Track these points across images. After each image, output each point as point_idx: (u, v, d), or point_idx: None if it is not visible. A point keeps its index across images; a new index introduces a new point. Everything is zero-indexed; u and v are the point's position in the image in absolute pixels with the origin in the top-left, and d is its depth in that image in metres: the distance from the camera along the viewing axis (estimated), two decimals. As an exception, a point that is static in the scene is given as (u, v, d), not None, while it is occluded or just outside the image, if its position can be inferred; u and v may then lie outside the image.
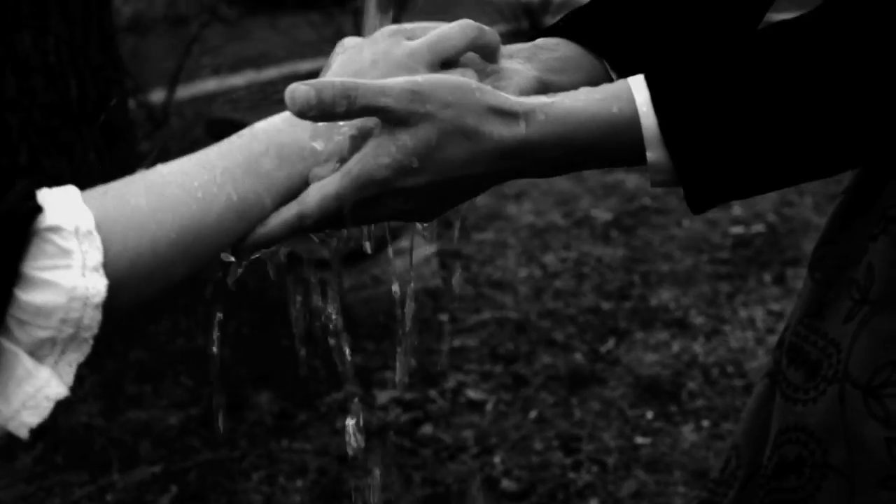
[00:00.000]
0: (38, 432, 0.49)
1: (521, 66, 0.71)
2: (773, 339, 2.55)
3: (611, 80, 0.75)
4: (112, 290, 0.50)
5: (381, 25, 0.69)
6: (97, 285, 0.49)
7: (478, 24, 0.68)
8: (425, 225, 0.73)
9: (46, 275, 0.48)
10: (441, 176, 0.62)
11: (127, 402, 2.29)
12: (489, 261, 3.14)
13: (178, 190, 0.56)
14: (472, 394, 2.35)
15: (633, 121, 0.61)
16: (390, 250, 0.95)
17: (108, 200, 0.53)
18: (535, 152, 0.62)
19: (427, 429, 2.21)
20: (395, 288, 0.78)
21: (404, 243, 2.98)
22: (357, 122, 0.63)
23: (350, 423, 0.70)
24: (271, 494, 2.01)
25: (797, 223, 3.23)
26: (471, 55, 0.69)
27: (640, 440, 2.13)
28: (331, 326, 0.70)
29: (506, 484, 2.00)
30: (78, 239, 0.49)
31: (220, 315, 0.66)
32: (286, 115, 0.63)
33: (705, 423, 2.18)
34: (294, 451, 2.15)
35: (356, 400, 0.70)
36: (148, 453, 2.12)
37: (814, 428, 0.92)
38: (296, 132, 0.61)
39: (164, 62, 5.63)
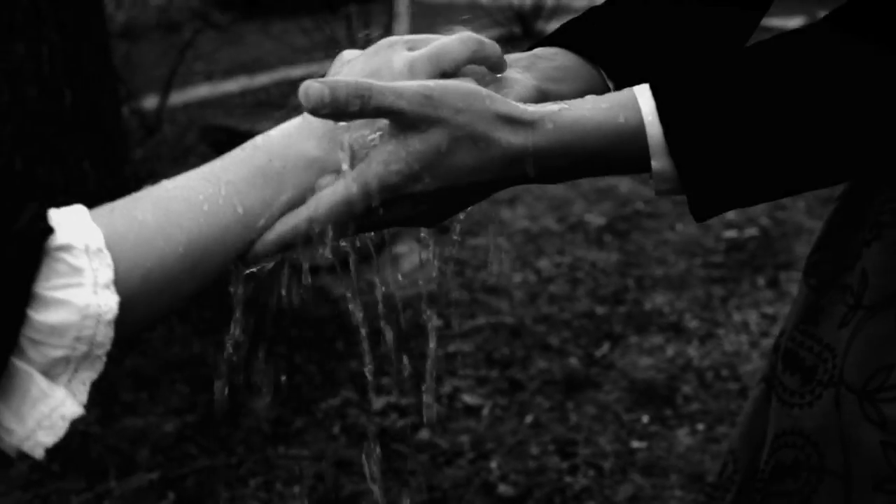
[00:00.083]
0: (53, 450, 0.49)
1: (521, 75, 0.72)
2: (766, 343, 2.56)
3: (607, 89, 0.77)
4: (123, 306, 0.50)
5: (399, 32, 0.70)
6: (109, 302, 0.50)
7: (478, 36, 0.68)
8: (422, 230, 0.74)
9: (59, 294, 0.48)
10: (450, 182, 0.63)
11: (123, 409, 2.29)
12: (483, 266, 3.15)
13: (183, 204, 0.56)
14: (468, 399, 2.36)
15: (639, 130, 0.62)
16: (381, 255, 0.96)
17: (116, 217, 0.53)
18: (542, 160, 0.63)
19: (423, 434, 2.22)
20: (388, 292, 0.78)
21: (399, 248, 2.99)
22: (380, 125, 0.63)
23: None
24: (268, 500, 2.01)
25: (790, 227, 3.25)
26: (472, 66, 0.70)
27: (635, 444, 2.14)
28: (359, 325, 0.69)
29: (503, 489, 2.00)
30: (88, 257, 0.50)
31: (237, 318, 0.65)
32: (287, 125, 0.63)
33: (700, 426, 2.19)
34: (291, 458, 2.15)
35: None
36: (145, 460, 2.12)
37: (810, 432, 0.93)
38: (298, 143, 0.62)
39: (156, 68, 5.63)
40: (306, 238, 0.61)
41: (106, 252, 0.50)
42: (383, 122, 0.64)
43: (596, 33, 0.79)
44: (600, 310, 2.84)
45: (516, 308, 2.86)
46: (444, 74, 0.67)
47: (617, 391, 2.37)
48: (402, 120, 0.61)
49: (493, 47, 0.69)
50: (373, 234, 0.74)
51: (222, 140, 2.84)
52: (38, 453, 0.49)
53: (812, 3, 6.99)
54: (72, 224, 0.50)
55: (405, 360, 0.81)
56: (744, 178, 0.63)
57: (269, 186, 0.59)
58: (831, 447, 0.91)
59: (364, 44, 0.72)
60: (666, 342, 2.61)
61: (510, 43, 7.83)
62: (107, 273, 0.50)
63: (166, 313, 0.56)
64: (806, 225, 3.25)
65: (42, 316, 0.48)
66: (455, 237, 0.80)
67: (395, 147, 0.62)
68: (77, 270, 0.49)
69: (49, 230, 0.49)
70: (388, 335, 0.83)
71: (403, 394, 2.39)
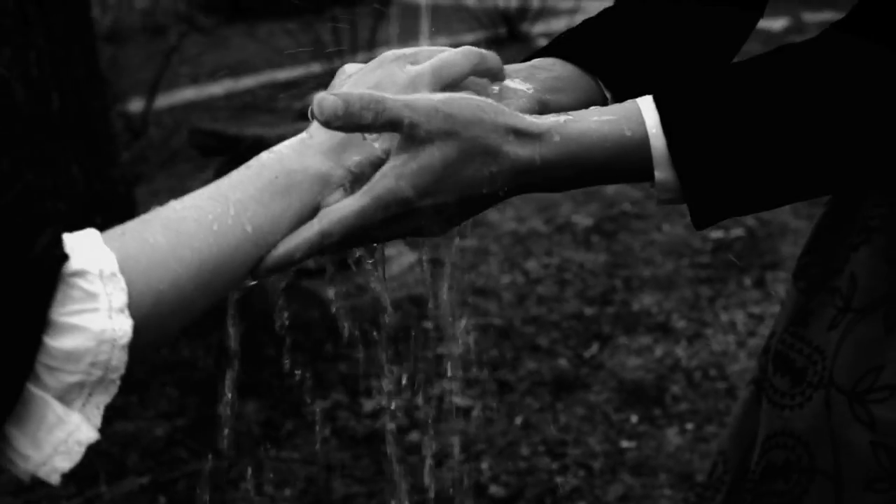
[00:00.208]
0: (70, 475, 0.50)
1: (521, 87, 0.73)
2: (754, 342, 2.58)
3: (605, 98, 0.78)
4: (137, 329, 0.50)
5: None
6: (124, 326, 0.50)
7: (479, 49, 0.69)
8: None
9: (74, 319, 0.49)
10: (460, 194, 0.64)
11: (113, 413, 2.28)
12: (472, 268, 3.16)
13: (194, 225, 0.56)
14: (458, 400, 2.37)
15: (643, 142, 0.63)
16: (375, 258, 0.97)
17: (128, 240, 0.53)
18: (549, 171, 0.64)
19: (414, 436, 2.23)
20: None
21: (388, 251, 2.99)
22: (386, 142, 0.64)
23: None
24: (260, 504, 2.02)
25: (776, 227, 3.28)
26: (473, 78, 0.71)
27: (625, 444, 2.16)
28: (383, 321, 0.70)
29: (494, 489, 2.01)
30: (103, 281, 0.50)
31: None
32: (292, 141, 0.64)
33: (689, 426, 2.21)
34: (281, 461, 2.16)
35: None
36: (135, 464, 2.12)
37: (801, 433, 0.95)
38: (303, 159, 0.62)
39: (141, 71, 5.61)
40: (318, 251, 0.62)
41: (120, 276, 0.51)
42: (391, 137, 0.65)
43: (592, 44, 0.80)
44: (588, 311, 2.85)
45: (505, 309, 2.87)
46: (446, 87, 0.68)
47: (606, 391, 2.38)
48: (413, 133, 0.62)
49: (493, 59, 0.70)
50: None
51: (210, 144, 2.84)
52: (55, 479, 0.50)
53: (796, 4, 7.04)
54: (85, 249, 0.50)
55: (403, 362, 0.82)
56: (744, 188, 0.64)
57: (276, 203, 0.60)
58: (822, 448, 0.92)
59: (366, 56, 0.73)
60: (654, 342, 2.62)
61: (496, 44, 7.85)
62: (121, 297, 0.50)
63: (177, 333, 0.56)
64: (791, 225, 3.28)
65: (58, 342, 0.48)
66: (456, 240, 0.80)
67: (406, 161, 0.62)
68: (92, 296, 0.49)
69: (64, 257, 0.49)
70: (378, 338, 0.84)
71: (393, 396, 2.40)
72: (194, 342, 2.53)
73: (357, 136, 0.64)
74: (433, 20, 9.31)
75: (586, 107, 0.71)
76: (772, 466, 0.98)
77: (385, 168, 0.63)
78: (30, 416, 0.48)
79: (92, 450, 0.53)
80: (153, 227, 0.55)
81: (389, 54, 0.70)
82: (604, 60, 0.78)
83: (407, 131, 0.62)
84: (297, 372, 2.49)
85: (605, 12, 0.86)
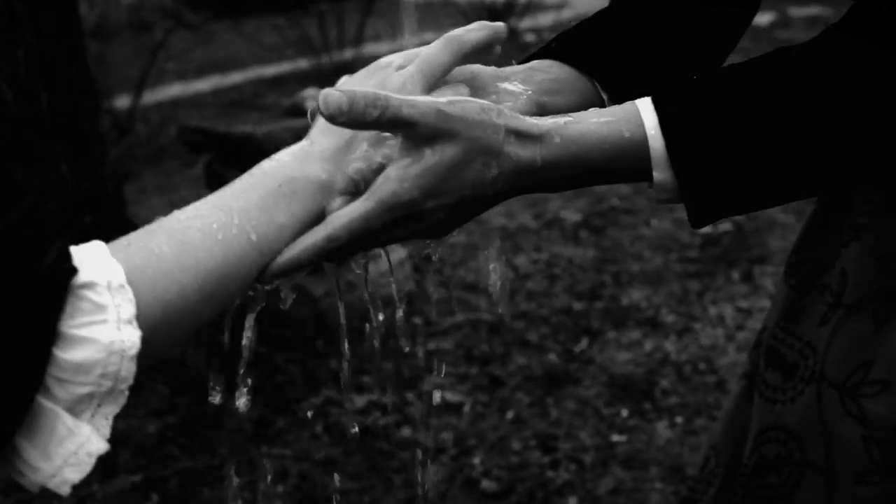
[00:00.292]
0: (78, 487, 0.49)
1: (519, 88, 0.74)
2: (742, 336, 2.60)
3: (601, 99, 0.79)
4: (145, 339, 0.51)
5: None
6: (132, 337, 0.50)
7: (456, 33, 0.69)
8: None
9: (84, 332, 0.49)
10: (462, 195, 0.64)
11: (104, 412, 2.28)
12: (461, 263, 3.17)
13: (198, 234, 0.56)
14: (450, 396, 2.38)
15: (642, 144, 0.64)
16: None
17: (134, 252, 0.53)
18: (550, 171, 0.65)
19: (405, 431, 2.23)
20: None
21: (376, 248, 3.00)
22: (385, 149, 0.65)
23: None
24: (253, 501, 2.02)
25: (763, 222, 3.30)
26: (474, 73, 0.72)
27: (616, 438, 2.17)
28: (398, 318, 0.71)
29: (486, 484, 2.02)
30: (111, 293, 0.50)
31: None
32: (293, 149, 0.64)
33: (679, 419, 2.23)
34: (274, 457, 2.16)
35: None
36: (127, 462, 2.12)
37: (793, 427, 0.96)
38: (304, 167, 0.63)
39: (127, 68, 5.58)
40: (324, 256, 0.63)
41: (128, 287, 0.51)
42: (391, 143, 0.65)
43: (589, 46, 0.81)
44: (578, 305, 2.86)
45: (495, 305, 2.88)
46: (439, 82, 0.68)
47: (596, 386, 2.40)
48: (416, 133, 0.63)
49: (477, 34, 0.70)
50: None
51: (199, 141, 2.83)
52: (65, 490, 0.50)
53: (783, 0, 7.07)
54: (93, 261, 0.51)
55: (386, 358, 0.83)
56: (741, 188, 0.65)
57: (280, 211, 0.60)
58: (813, 442, 0.93)
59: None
60: (643, 337, 2.64)
61: (483, 39, 7.83)
62: (129, 309, 0.50)
63: (184, 342, 0.56)
64: (779, 219, 3.30)
65: (67, 354, 0.48)
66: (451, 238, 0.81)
67: (409, 163, 0.63)
68: (100, 307, 0.49)
69: (73, 269, 0.49)
70: (369, 334, 0.85)
71: (385, 391, 2.41)
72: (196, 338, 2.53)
73: (358, 142, 0.65)
74: (420, 15, 9.30)
75: (583, 108, 0.72)
76: (764, 460, 0.99)
77: (388, 171, 0.64)
78: (40, 428, 0.49)
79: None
80: (158, 238, 0.55)
81: (381, 61, 0.70)
82: (600, 62, 0.79)
83: (408, 132, 0.63)
84: (288, 367, 2.49)
85: (600, 13, 0.86)
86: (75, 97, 2.44)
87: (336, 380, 2.47)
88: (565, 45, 0.81)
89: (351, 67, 6.83)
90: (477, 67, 0.74)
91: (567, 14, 8.30)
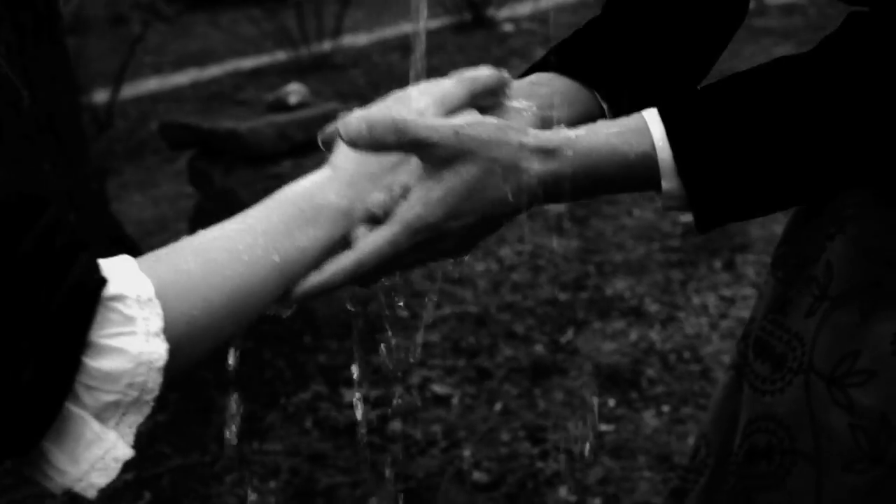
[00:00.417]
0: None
1: (523, 105, 0.76)
2: (726, 324, 2.64)
3: (602, 109, 0.81)
4: (171, 352, 0.52)
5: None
6: (159, 350, 0.52)
7: (473, 73, 0.72)
8: None
9: (113, 342, 0.50)
10: (484, 213, 0.67)
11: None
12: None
13: (224, 254, 0.58)
14: (438, 388, 2.40)
15: (650, 155, 0.67)
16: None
17: (162, 268, 0.55)
18: (564, 184, 0.67)
19: (395, 425, 2.25)
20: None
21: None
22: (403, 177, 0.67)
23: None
24: (245, 497, 2.03)
25: (743, 210, 3.32)
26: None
27: (603, 427, 2.20)
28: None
29: (476, 476, 2.05)
30: (140, 306, 0.52)
31: None
32: (314, 176, 0.67)
33: (665, 408, 2.26)
34: (265, 453, 2.17)
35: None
36: (118, 461, 2.12)
37: (782, 417, 0.98)
38: (326, 193, 0.65)
39: (104, 62, 5.55)
40: (352, 280, 0.65)
41: (156, 301, 0.53)
42: (410, 168, 0.67)
43: (587, 57, 0.83)
44: (563, 296, 2.89)
45: (480, 297, 2.90)
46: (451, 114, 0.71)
47: (583, 376, 2.42)
48: (435, 155, 0.65)
49: (489, 77, 0.73)
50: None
51: (183, 138, 2.82)
52: (91, 494, 0.51)
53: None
54: (123, 274, 0.52)
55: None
56: (745, 196, 0.68)
57: (302, 235, 0.62)
58: (803, 431, 0.96)
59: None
60: (628, 326, 2.67)
61: (461, 30, 7.84)
62: (157, 322, 0.52)
63: (206, 357, 0.58)
64: (759, 208, 3.33)
65: (97, 363, 0.50)
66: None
67: (431, 186, 0.65)
68: (130, 319, 0.51)
69: (103, 280, 0.51)
70: (357, 328, 0.88)
71: (374, 385, 2.43)
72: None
73: (378, 169, 0.67)
74: (399, 6, 9.28)
75: (586, 119, 0.75)
76: (754, 449, 1.02)
77: (412, 196, 0.66)
78: (68, 433, 0.50)
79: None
80: (186, 255, 0.57)
81: (398, 94, 0.72)
82: (600, 73, 0.81)
83: (427, 154, 0.65)
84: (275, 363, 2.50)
85: (593, 22, 0.88)
86: (57, 95, 2.44)
87: (324, 374, 2.48)
88: (564, 57, 0.83)
89: (330, 59, 6.82)
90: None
91: (545, 3, 8.31)
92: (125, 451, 0.52)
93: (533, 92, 0.78)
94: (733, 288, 2.84)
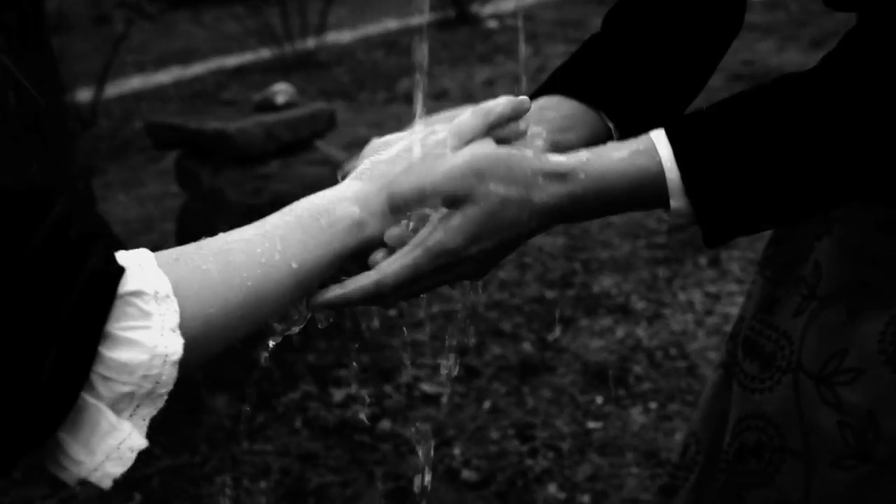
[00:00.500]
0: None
1: (534, 130, 0.79)
2: (711, 321, 2.66)
3: (608, 128, 0.84)
4: (186, 347, 0.54)
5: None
6: (175, 345, 0.53)
7: (487, 105, 0.75)
8: None
9: (130, 334, 0.51)
10: (503, 238, 0.69)
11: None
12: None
13: (243, 256, 0.60)
14: (427, 387, 2.40)
15: (659, 175, 0.69)
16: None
17: (181, 266, 0.57)
18: (577, 206, 0.70)
19: (385, 424, 2.26)
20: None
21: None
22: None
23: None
24: (236, 497, 2.04)
25: (728, 206, 3.35)
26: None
27: (591, 425, 2.21)
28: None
29: (466, 474, 2.06)
30: (157, 302, 0.53)
31: None
32: (330, 190, 0.69)
33: (653, 405, 2.27)
34: (255, 453, 2.18)
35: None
36: (107, 463, 2.12)
37: (771, 415, 1.00)
38: (341, 204, 0.68)
39: (86, 60, 5.52)
40: (371, 300, 0.68)
41: (173, 298, 0.54)
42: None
43: (592, 79, 0.86)
44: (550, 294, 2.90)
45: (465, 295, 2.91)
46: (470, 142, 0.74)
47: (571, 374, 2.44)
48: (458, 198, 0.68)
49: (504, 106, 0.75)
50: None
51: (170, 138, 2.81)
52: (107, 483, 0.52)
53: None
54: (141, 270, 0.54)
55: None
56: (751, 212, 0.70)
57: (317, 244, 0.65)
58: (792, 429, 0.97)
59: None
60: (615, 324, 2.68)
61: (445, 27, 7.85)
62: (173, 318, 0.53)
63: (218, 354, 0.59)
64: (743, 204, 3.35)
65: (113, 353, 0.51)
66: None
67: (451, 213, 0.68)
68: (146, 314, 0.52)
69: (121, 271, 0.52)
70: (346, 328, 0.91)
71: (363, 384, 2.43)
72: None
73: (388, 187, 0.70)
74: (382, 3, 9.26)
75: (593, 140, 0.78)
76: (745, 447, 1.03)
77: (433, 222, 0.69)
78: (83, 423, 0.51)
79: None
80: (205, 255, 0.59)
81: (417, 126, 0.75)
82: (605, 94, 0.84)
83: (451, 200, 0.68)
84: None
85: (594, 42, 0.91)
86: (43, 95, 2.43)
87: (313, 374, 2.49)
88: (568, 80, 0.86)
89: (314, 57, 6.80)
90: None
91: (529, 0, 8.32)
92: (140, 442, 0.53)
93: (542, 117, 0.81)
94: (718, 284, 2.87)
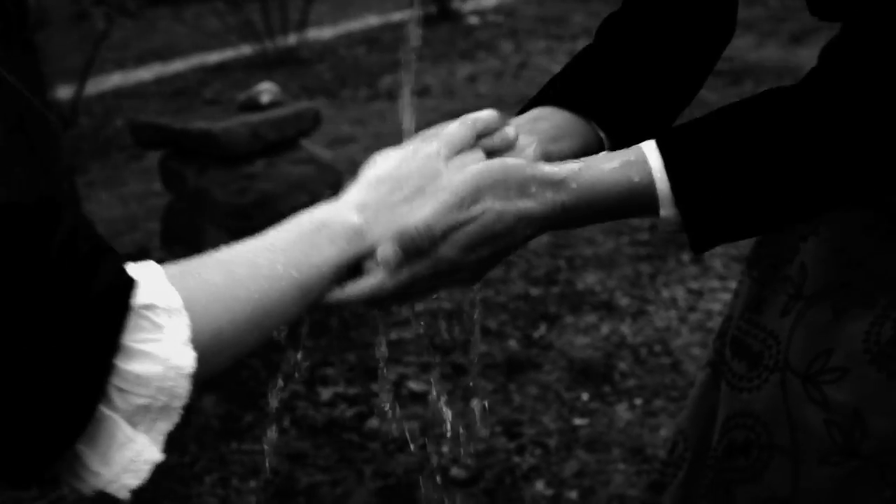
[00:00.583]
0: None
1: (526, 140, 0.81)
2: (694, 317, 2.68)
3: (599, 138, 0.86)
4: (197, 361, 0.54)
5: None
6: (187, 358, 0.54)
7: (475, 115, 0.77)
8: None
9: (144, 346, 0.52)
10: (498, 246, 0.72)
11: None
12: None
13: (247, 269, 0.62)
14: (414, 385, 2.42)
15: (650, 185, 0.71)
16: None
17: (189, 279, 0.58)
18: (569, 214, 0.72)
19: (373, 423, 2.27)
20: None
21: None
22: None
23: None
24: (226, 497, 2.04)
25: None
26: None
27: (578, 421, 2.23)
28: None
29: (454, 472, 2.07)
30: (168, 315, 0.54)
31: None
32: (332, 203, 0.71)
33: (638, 401, 2.30)
34: (244, 453, 2.18)
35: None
36: (96, 464, 2.12)
37: (759, 413, 1.02)
38: (343, 213, 0.69)
39: (65, 57, 5.48)
40: (370, 304, 0.71)
41: (184, 312, 0.55)
42: (426, 201, 0.72)
43: (585, 90, 0.88)
44: (535, 291, 2.92)
45: (453, 292, 2.93)
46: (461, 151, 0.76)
47: (557, 371, 2.46)
48: (461, 221, 0.71)
49: (490, 118, 0.78)
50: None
51: (154, 138, 2.81)
52: (124, 495, 0.53)
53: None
54: (152, 284, 0.54)
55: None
56: (736, 221, 0.72)
57: (318, 253, 0.66)
58: (779, 426, 1.00)
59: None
60: (600, 320, 2.71)
61: (426, 23, 7.85)
62: (185, 331, 0.54)
63: (228, 366, 0.60)
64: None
65: (129, 365, 0.52)
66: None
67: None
68: (158, 327, 0.53)
69: (133, 284, 0.53)
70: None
71: (350, 383, 2.44)
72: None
73: (393, 197, 0.72)
74: (361, 1, 9.25)
75: (584, 149, 0.81)
76: (733, 445, 1.05)
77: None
78: (100, 435, 0.52)
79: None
80: (211, 269, 0.60)
81: (414, 141, 0.77)
82: (597, 105, 0.86)
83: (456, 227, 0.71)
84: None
85: (587, 53, 0.92)
86: (27, 97, 2.42)
87: (300, 373, 2.49)
88: (561, 90, 0.87)
89: (295, 53, 6.79)
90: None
91: (509, -3, 8.34)
92: (155, 455, 0.54)
93: (534, 127, 0.83)
94: (701, 281, 2.90)
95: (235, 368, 2.48)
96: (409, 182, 0.71)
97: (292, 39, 6.83)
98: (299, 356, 0.81)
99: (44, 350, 0.48)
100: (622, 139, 0.84)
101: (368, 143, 4.65)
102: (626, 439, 2.14)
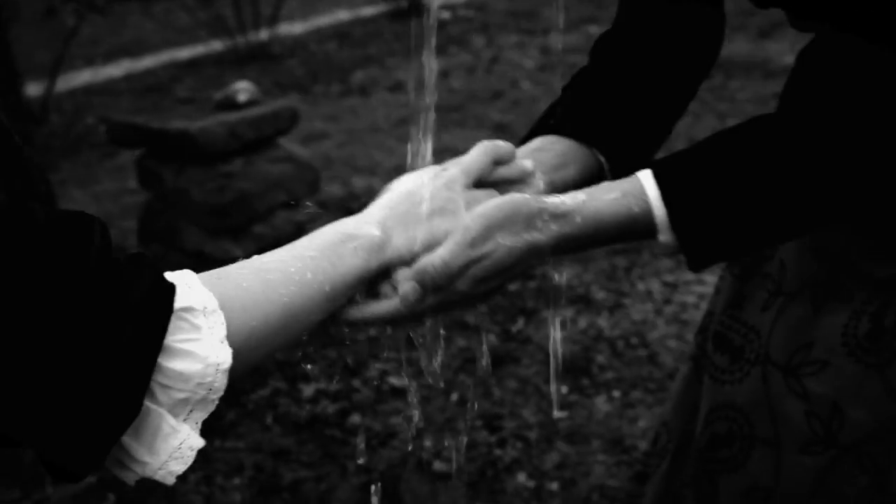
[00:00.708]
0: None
1: (530, 169, 0.86)
2: (670, 310, 2.73)
3: (600, 164, 0.90)
4: (233, 357, 0.59)
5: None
6: (225, 354, 0.58)
7: (492, 143, 0.83)
8: None
9: (185, 346, 0.57)
10: (507, 277, 0.77)
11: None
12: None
13: (280, 275, 0.66)
14: (395, 381, 2.44)
15: (648, 214, 0.77)
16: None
17: (225, 283, 0.62)
18: (573, 243, 0.78)
19: (355, 418, 2.29)
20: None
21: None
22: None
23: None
24: (210, 494, 2.05)
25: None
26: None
27: (557, 414, 2.27)
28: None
29: (437, 466, 2.10)
30: (206, 316, 0.58)
31: None
32: (355, 217, 0.75)
33: (616, 393, 2.34)
34: (228, 450, 2.19)
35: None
36: (78, 464, 2.12)
37: (741, 405, 1.05)
38: (364, 227, 0.74)
39: (33, 54, 5.42)
40: (391, 322, 0.76)
41: (220, 313, 0.59)
42: (445, 220, 0.78)
43: (585, 118, 0.92)
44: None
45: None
46: (478, 180, 0.82)
47: (535, 364, 2.49)
48: (473, 259, 0.76)
49: (505, 147, 0.84)
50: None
51: (131, 138, 2.80)
52: (170, 481, 0.58)
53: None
54: (189, 288, 0.59)
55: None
56: (730, 242, 0.78)
57: (344, 263, 0.71)
58: (761, 418, 1.03)
59: None
60: (577, 314, 2.75)
61: (397, 18, 7.85)
62: (221, 331, 0.58)
63: (258, 366, 0.63)
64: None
65: (171, 364, 0.56)
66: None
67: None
68: (197, 328, 0.57)
69: (173, 289, 0.57)
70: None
71: (332, 380, 2.46)
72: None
73: (413, 213, 0.77)
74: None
75: (586, 176, 0.87)
76: (716, 436, 1.09)
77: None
78: (146, 427, 0.57)
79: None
80: (245, 274, 0.64)
81: (429, 169, 0.82)
82: (599, 132, 0.91)
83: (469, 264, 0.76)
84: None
85: (583, 78, 0.96)
86: (3, 98, 2.41)
87: (282, 370, 2.51)
88: (563, 120, 0.92)
89: (267, 49, 6.76)
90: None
91: (480, -9, 8.35)
92: (198, 441, 0.58)
93: (538, 158, 0.87)
94: (676, 273, 2.94)
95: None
96: (427, 203, 0.76)
97: (264, 35, 6.80)
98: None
99: (93, 352, 0.52)
100: (622, 162, 0.89)
101: (342, 139, 4.65)
102: (606, 431, 2.18)
